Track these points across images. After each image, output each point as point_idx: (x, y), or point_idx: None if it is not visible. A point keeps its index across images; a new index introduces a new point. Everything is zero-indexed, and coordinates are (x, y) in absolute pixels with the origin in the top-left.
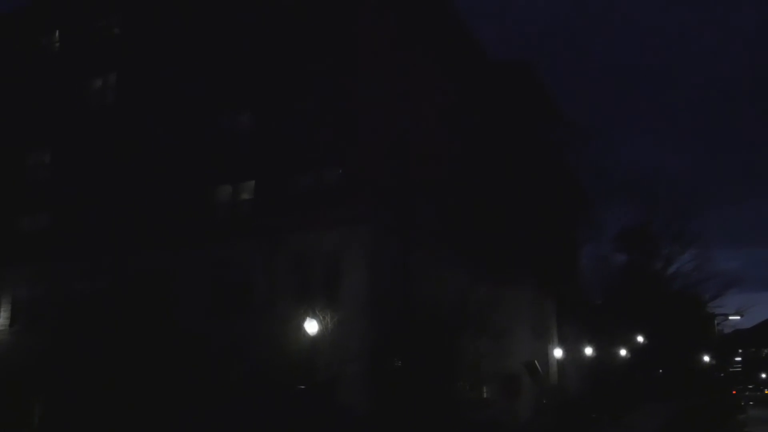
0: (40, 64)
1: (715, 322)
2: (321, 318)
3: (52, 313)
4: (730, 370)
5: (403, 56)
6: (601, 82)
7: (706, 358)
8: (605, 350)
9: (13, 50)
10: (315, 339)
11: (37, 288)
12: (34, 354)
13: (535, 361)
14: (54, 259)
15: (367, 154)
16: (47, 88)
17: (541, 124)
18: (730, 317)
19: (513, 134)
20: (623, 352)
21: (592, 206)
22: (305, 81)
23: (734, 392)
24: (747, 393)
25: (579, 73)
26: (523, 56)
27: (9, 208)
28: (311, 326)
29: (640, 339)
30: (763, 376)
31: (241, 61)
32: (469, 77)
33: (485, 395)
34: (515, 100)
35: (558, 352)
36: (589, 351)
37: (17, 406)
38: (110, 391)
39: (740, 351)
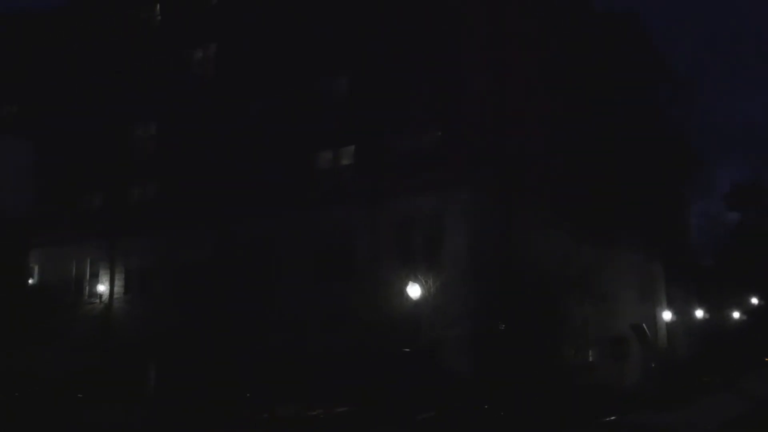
0: (143, 38)
1: None
2: (423, 282)
3: (162, 281)
4: None
5: (503, 11)
6: (712, 33)
7: None
8: (717, 313)
9: (116, 26)
10: (417, 303)
11: (148, 257)
12: (147, 320)
13: (643, 324)
14: (162, 229)
15: (467, 115)
16: (150, 61)
17: (647, 78)
18: None
19: (618, 89)
20: (736, 315)
21: (701, 163)
22: (403, 42)
23: None
24: None
25: (687, 23)
26: (630, 6)
27: (119, 181)
28: (414, 290)
29: (755, 301)
30: None
31: (338, 25)
32: (573, 30)
33: (591, 359)
34: (621, 53)
35: (667, 315)
36: (699, 313)
37: (133, 371)
38: (218, 356)
39: None
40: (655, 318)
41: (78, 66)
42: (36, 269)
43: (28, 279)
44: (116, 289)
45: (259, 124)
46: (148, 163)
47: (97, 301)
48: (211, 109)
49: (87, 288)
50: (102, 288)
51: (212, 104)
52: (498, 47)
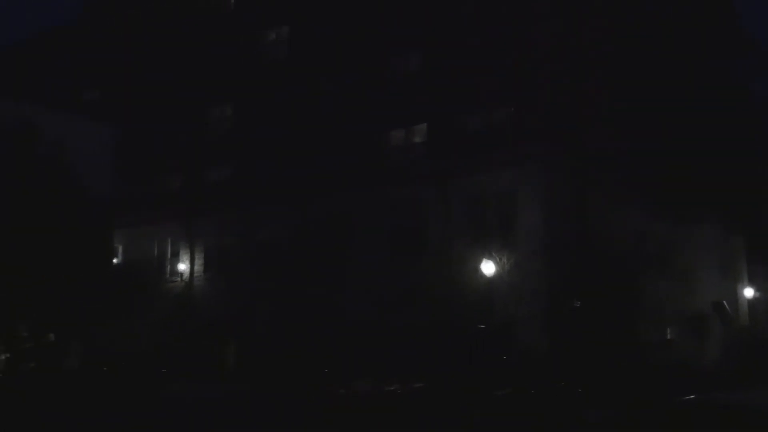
0: (218, 21)
1: None
2: (497, 259)
3: (240, 260)
4: None
5: None
6: None
7: None
8: None
9: (192, 9)
10: (491, 280)
11: (226, 236)
12: (226, 298)
13: (724, 301)
14: (240, 208)
15: (540, 91)
16: (225, 44)
17: (728, 49)
18: None
19: (698, 62)
20: None
21: None
22: (476, 18)
23: None
24: None
25: None
26: None
27: (197, 162)
28: (488, 267)
29: None
30: None
31: (410, 2)
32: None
33: (669, 337)
34: (700, 22)
35: (748, 292)
36: None
37: (214, 347)
38: (296, 332)
39: None
40: (736, 295)
41: (156, 49)
42: (120, 249)
43: (113, 259)
44: (196, 267)
45: (332, 103)
46: (224, 144)
47: (178, 279)
48: (285, 90)
49: (168, 267)
50: (182, 267)
51: (286, 84)
52: (574, 21)
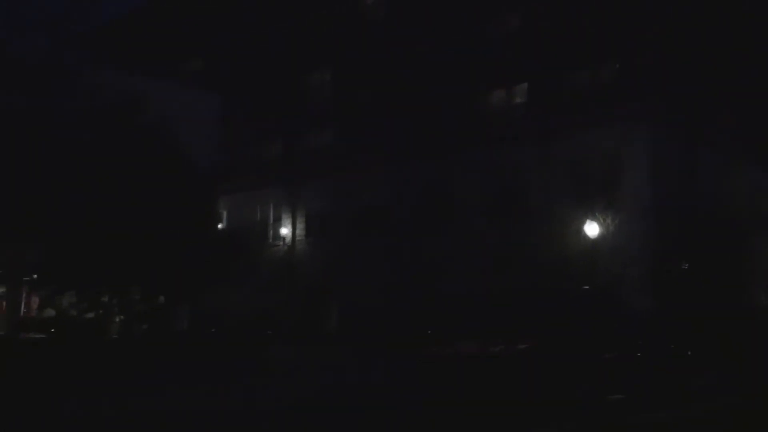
0: None
1: None
2: (601, 220)
3: (341, 223)
4: None
5: None
6: None
7: None
8: None
9: None
10: (595, 242)
11: (327, 200)
12: (328, 261)
13: None
14: (340, 173)
15: (646, 46)
16: (323, 9)
17: None
18: None
19: None
20: None
21: None
22: None
23: None
24: None
25: None
26: None
27: (298, 128)
28: (591, 229)
29: None
30: None
31: None
32: None
33: None
34: None
35: None
36: None
37: (317, 309)
38: (397, 294)
39: None
40: None
41: (257, 17)
42: (225, 215)
43: (218, 224)
44: (298, 231)
45: (432, 65)
46: (325, 109)
47: (281, 243)
48: (384, 53)
49: (271, 231)
50: (285, 231)
51: (385, 48)
52: None
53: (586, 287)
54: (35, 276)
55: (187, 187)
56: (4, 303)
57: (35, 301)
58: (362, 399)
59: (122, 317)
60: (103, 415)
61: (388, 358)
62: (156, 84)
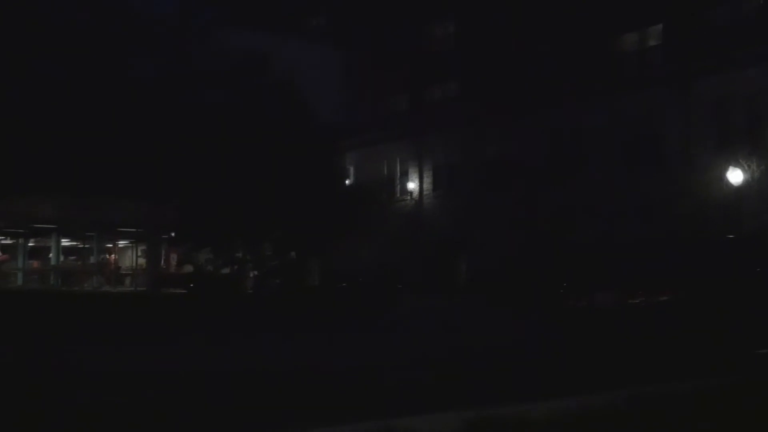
0: None
1: None
2: (745, 166)
3: (469, 176)
4: None
5: None
6: None
7: None
8: None
9: None
10: (739, 189)
11: (454, 153)
12: (456, 214)
13: None
14: (466, 125)
15: None
16: None
17: None
18: None
19: None
20: None
21: None
22: None
23: None
24: None
25: None
26: None
27: (423, 80)
28: (735, 176)
29: None
30: None
31: None
32: None
33: None
34: None
35: None
36: None
37: (445, 263)
38: (528, 246)
39: None
40: None
41: None
42: (352, 171)
43: (346, 180)
44: (425, 185)
45: (559, 9)
46: (449, 60)
47: (408, 198)
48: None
49: (398, 186)
50: (412, 185)
51: None
52: None
53: (731, 236)
54: (173, 234)
55: (314, 144)
56: (114, 257)
57: (174, 257)
58: (499, 353)
59: (256, 273)
60: (236, 368)
61: (521, 311)
62: (281, 41)
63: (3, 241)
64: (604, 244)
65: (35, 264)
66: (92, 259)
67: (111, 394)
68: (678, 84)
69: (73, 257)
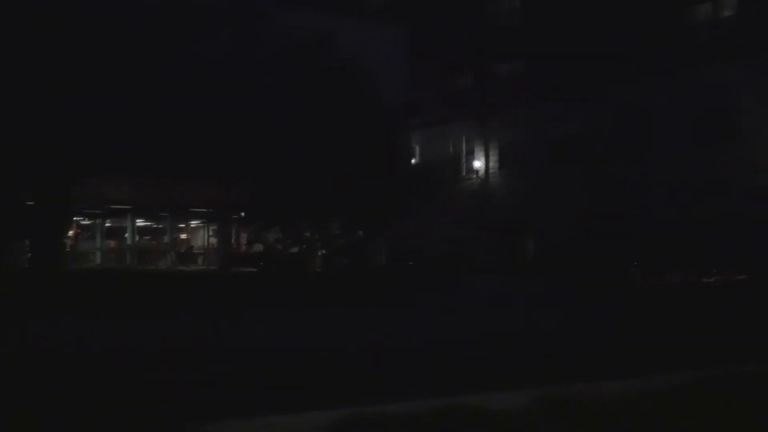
0: None
1: None
2: None
3: (535, 154)
4: None
5: None
6: None
7: None
8: None
9: None
10: None
11: (520, 131)
12: (522, 193)
13: None
14: (532, 103)
15: None
16: None
17: None
18: None
19: None
20: None
21: None
22: None
23: None
24: None
25: None
26: None
27: (487, 58)
28: None
29: None
30: None
31: None
32: None
33: None
34: None
35: None
36: None
37: (512, 242)
38: (597, 225)
39: None
40: None
41: None
42: (417, 150)
43: (411, 160)
44: (491, 164)
45: None
46: (514, 38)
47: (474, 176)
48: None
49: (464, 165)
50: (477, 164)
51: None
52: None
53: None
54: (243, 214)
55: (380, 124)
56: (187, 236)
57: (244, 237)
58: (568, 332)
59: (324, 251)
60: (307, 344)
61: (590, 290)
62: (344, 21)
63: (82, 222)
64: (675, 222)
65: (112, 244)
66: (166, 239)
67: (192, 368)
68: (752, 56)
69: (147, 237)
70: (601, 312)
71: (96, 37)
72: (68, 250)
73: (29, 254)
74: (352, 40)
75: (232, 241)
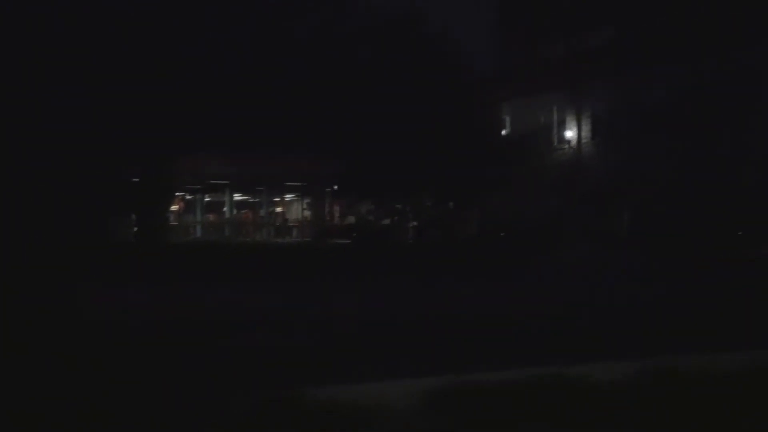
0: None
1: None
2: None
3: (629, 123)
4: None
5: None
6: None
7: None
8: None
9: None
10: None
11: (613, 100)
12: (616, 163)
13: None
14: (627, 70)
15: None
16: None
17: None
18: None
19: None
20: None
21: None
22: None
23: None
24: None
25: None
26: None
27: (577, 26)
28: None
29: None
30: None
31: None
32: None
33: None
34: None
35: None
36: None
37: (606, 213)
38: (693, 196)
39: None
40: None
41: None
42: (507, 121)
43: (501, 131)
44: (583, 133)
45: None
46: (607, 4)
47: (566, 147)
48: None
49: (555, 135)
50: (569, 134)
51: None
52: None
53: None
54: (336, 187)
55: (470, 95)
56: (280, 209)
57: (337, 209)
58: (669, 304)
59: (415, 223)
60: (401, 313)
61: (689, 261)
62: None
63: (183, 197)
64: None
65: (211, 217)
66: (262, 212)
67: (290, 335)
68: None
69: (244, 210)
70: (708, 282)
71: (193, 19)
72: (171, 224)
73: (135, 228)
74: (442, 12)
75: (326, 213)
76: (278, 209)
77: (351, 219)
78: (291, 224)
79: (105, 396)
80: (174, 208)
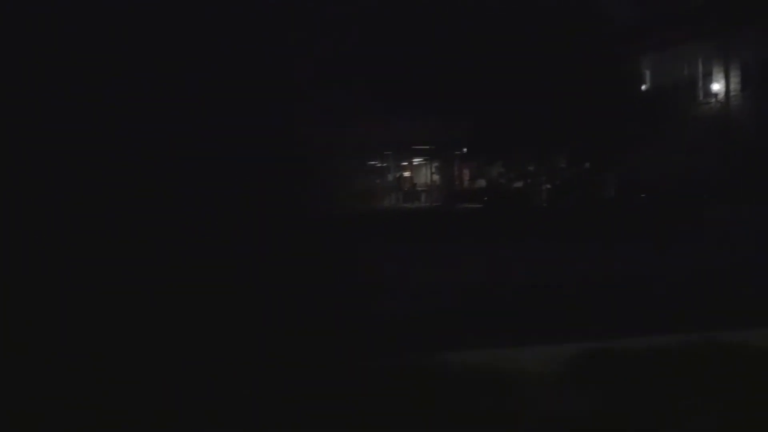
0: None
1: None
2: None
3: None
4: None
5: None
6: None
7: None
8: None
9: None
10: None
11: (765, 48)
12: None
13: None
14: None
15: None
16: None
17: None
18: None
19: None
20: None
21: None
22: None
23: None
24: None
25: None
26: None
27: None
28: None
29: None
30: None
31: None
32: None
33: None
34: None
35: None
36: None
37: (758, 170)
38: None
39: None
40: None
41: None
42: (648, 75)
43: (641, 85)
44: (732, 86)
45: None
46: None
47: (712, 101)
48: None
49: (700, 88)
50: (716, 87)
51: None
52: None
53: None
54: (465, 150)
55: (607, 48)
56: (407, 174)
57: (466, 173)
58: None
59: (548, 186)
60: (539, 281)
61: None
62: None
63: None
64: None
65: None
66: (389, 177)
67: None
68: None
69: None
70: None
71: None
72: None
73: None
74: None
75: (455, 177)
76: (406, 174)
77: (481, 183)
78: (419, 189)
79: None
80: None
